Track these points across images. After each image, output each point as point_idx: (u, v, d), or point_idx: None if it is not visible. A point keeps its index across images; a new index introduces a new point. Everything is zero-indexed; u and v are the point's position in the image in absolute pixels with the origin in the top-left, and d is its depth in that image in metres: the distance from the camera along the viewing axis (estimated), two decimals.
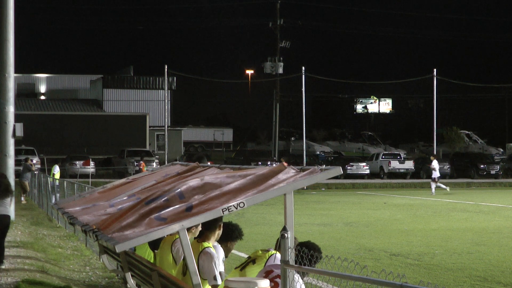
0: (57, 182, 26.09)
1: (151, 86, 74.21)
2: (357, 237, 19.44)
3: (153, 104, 72.84)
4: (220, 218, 6.75)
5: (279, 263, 5.97)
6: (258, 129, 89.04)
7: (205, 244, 6.86)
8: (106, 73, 79.24)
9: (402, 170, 55.07)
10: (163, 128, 55.67)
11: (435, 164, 39.39)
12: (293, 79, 60.92)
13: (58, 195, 24.32)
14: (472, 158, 58.17)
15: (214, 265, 6.70)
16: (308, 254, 5.68)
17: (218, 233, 7.04)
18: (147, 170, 22.10)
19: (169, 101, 65.73)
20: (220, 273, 6.84)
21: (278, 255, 6.71)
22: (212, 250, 6.82)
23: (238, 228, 7.59)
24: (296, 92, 58.07)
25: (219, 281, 6.66)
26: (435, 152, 51.03)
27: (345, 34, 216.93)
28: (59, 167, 37.17)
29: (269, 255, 6.94)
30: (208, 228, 6.92)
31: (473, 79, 72.87)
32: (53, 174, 31.75)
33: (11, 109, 21.09)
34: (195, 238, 7.07)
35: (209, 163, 10.19)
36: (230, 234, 7.51)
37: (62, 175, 42.41)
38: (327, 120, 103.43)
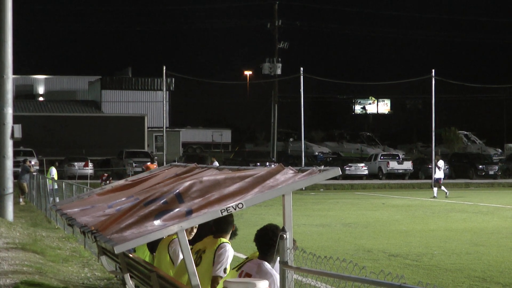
0: (55, 185, 25.90)
1: (150, 87, 74.15)
2: (355, 237, 19.44)
3: (152, 105, 72.76)
4: (232, 220, 7.36)
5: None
6: (256, 130, 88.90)
7: (223, 239, 7.16)
8: (104, 74, 79.12)
9: (400, 171, 55.06)
10: (162, 129, 55.55)
11: (441, 164, 37.10)
12: (291, 80, 60.82)
13: (57, 198, 24.19)
14: (470, 158, 58.16)
15: (227, 259, 7.02)
16: None
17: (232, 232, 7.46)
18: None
19: (168, 102, 65.64)
20: (225, 269, 7.02)
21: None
22: (230, 246, 7.15)
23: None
24: (294, 93, 57.93)
25: (224, 275, 6.95)
26: (433, 153, 50.94)
27: (343, 35, 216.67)
28: (57, 168, 36.99)
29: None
30: (224, 230, 7.28)
31: (471, 80, 72.71)
32: (52, 178, 31.44)
33: (9, 111, 21.08)
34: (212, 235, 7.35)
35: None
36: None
37: (60, 177, 42.38)
38: (325, 121, 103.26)
